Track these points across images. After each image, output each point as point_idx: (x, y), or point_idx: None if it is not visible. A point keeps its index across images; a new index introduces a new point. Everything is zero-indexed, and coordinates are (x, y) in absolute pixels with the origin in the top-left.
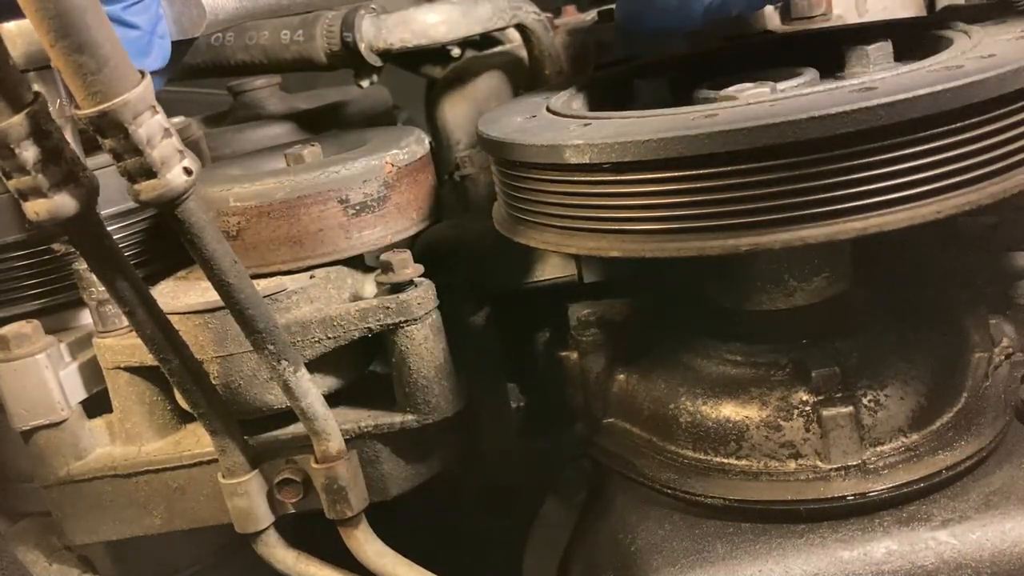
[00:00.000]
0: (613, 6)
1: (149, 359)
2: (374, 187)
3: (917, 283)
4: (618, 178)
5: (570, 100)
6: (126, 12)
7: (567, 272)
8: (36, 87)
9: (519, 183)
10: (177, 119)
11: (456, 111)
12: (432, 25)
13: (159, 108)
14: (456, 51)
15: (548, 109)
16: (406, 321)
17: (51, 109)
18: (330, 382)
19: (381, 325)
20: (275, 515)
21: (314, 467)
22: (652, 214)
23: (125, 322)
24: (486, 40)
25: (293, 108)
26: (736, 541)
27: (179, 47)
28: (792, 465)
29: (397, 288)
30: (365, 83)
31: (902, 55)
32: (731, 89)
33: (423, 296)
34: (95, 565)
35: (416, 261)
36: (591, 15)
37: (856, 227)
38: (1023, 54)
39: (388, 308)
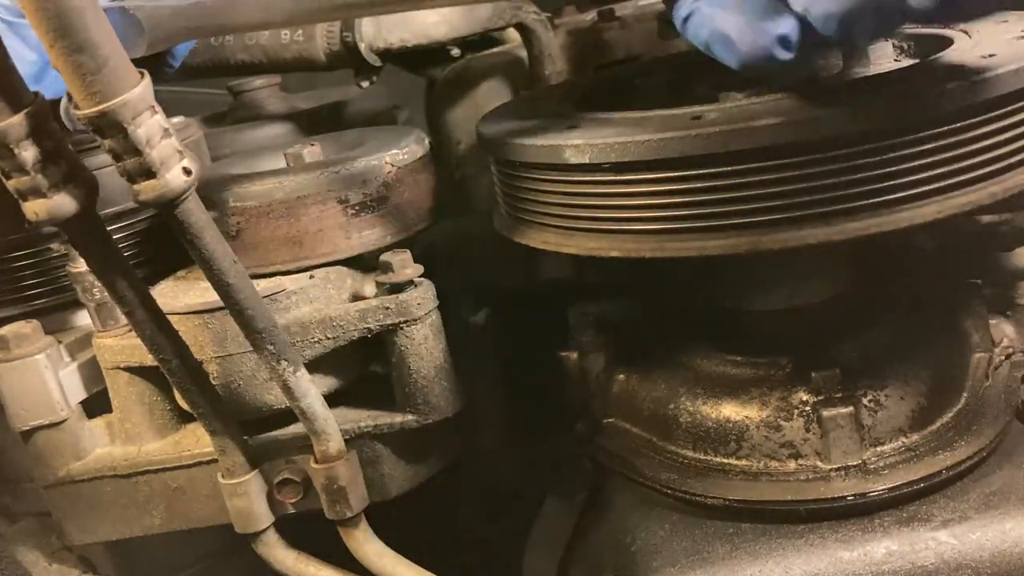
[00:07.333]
0: (613, 6)
1: (149, 359)
2: (374, 187)
3: (917, 284)
4: (618, 178)
5: (570, 100)
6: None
7: (567, 272)
8: None
9: (519, 183)
10: (177, 119)
11: (456, 111)
12: (432, 25)
13: (158, 108)
14: (456, 51)
15: (548, 109)
16: (406, 321)
17: None
18: (330, 382)
19: (381, 325)
20: (275, 515)
21: (314, 467)
22: (652, 214)
23: (124, 320)
24: (486, 40)
25: (293, 108)
26: (736, 541)
27: None
28: (792, 465)
29: (397, 288)
30: (365, 83)
31: (902, 55)
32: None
33: (423, 296)
34: (95, 565)
35: (416, 261)
36: (591, 15)
37: (856, 227)
38: (1023, 54)
39: (388, 308)
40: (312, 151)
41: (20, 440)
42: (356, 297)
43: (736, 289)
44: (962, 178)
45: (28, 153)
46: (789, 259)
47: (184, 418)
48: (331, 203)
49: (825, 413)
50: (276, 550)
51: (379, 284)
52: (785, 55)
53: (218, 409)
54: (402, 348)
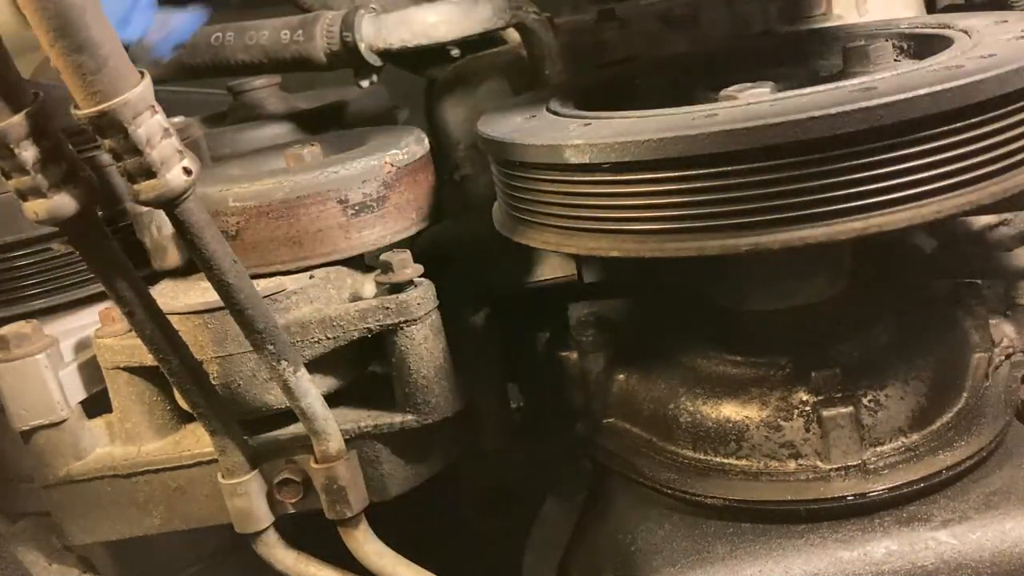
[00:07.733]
0: (613, 6)
1: (149, 359)
2: (373, 187)
3: (917, 283)
4: (618, 178)
5: (570, 100)
6: None
7: (567, 272)
8: None
9: (519, 183)
10: (177, 119)
11: (456, 111)
12: (432, 25)
13: (159, 108)
14: (456, 51)
15: (548, 109)
16: (406, 321)
17: None
18: (330, 382)
19: (381, 325)
20: (275, 515)
21: (314, 467)
22: (652, 214)
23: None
24: (486, 40)
25: (293, 108)
26: (736, 541)
27: None
28: (792, 465)
29: (397, 288)
30: (365, 83)
31: (902, 55)
32: (731, 89)
33: (423, 296)
34: (95, 565)
35: (416, 261)
36: (591, 15)
37: (856, 227)
38: (1023, 54)
39: (388, 308)
40: (312, 151)
41: (20, 440)
42: (356, 297)
43: (736, 289)
44: (962, 178)
45: (28, 153)
46: (789, 259)
47: (184, 418)
48: (331, 203)
49: (825, 413)
50: (276, 550)
51: (379, 284)
52: None
53: (218, 409)
54: (402, 348)
